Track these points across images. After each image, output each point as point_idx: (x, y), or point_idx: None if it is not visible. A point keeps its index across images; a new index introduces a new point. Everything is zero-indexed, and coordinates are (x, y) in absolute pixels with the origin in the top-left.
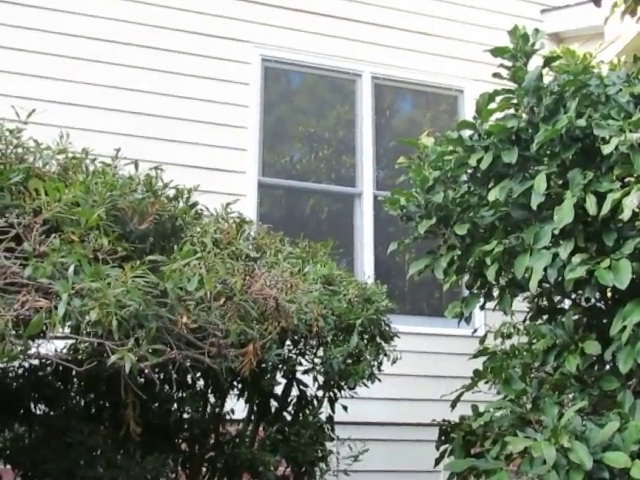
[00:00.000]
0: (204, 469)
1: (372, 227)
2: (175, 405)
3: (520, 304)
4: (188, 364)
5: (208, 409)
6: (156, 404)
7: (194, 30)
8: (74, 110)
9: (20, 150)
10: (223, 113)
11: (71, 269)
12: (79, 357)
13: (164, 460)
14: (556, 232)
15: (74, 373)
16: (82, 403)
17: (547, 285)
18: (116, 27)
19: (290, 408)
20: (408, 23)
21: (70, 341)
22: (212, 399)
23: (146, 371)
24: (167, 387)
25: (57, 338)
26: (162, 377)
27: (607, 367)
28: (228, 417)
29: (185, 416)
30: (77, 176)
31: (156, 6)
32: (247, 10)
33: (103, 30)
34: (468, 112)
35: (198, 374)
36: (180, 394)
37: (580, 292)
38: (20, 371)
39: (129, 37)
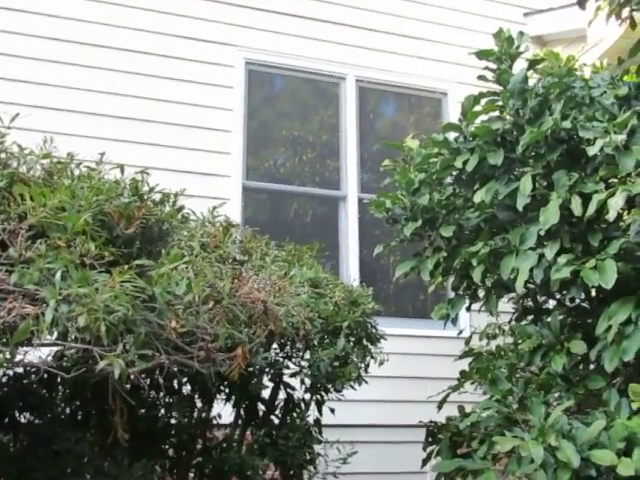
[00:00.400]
0: (192, 474)
1: (357, 230)
2: (162, 411)
3: (505, 305)
4: (176, 369)
5: (195, 414)
6: (143, 410)
7: (178, 33)
8: (57, 115)
9: (3, 155)
10: (207, 117)
11: (58, 275)
12: (65, 364)
13: (152, 466)
14: (542, 233)
15: (59, 380)
16: (68, 410)
17: (532, 286)
18: (102, 30)
19: (277, 411)
20: (392, 26)
21: (56, 348)
22: (199, 404)
23: (132, 377)
24: (154, 393)
25: (44, 345)
26: (149, 382)
27: (592, 366)
28: (215, 422)
29: (172, 421)
30: (62, 181)
31: (141, 9)
32: (231, 13)
33: (86, 35)
34: (452, 115)
35: (185, 379)
36: (167, 399)
37: (565, 292)
38: (4, 379)
39: (113, 40)
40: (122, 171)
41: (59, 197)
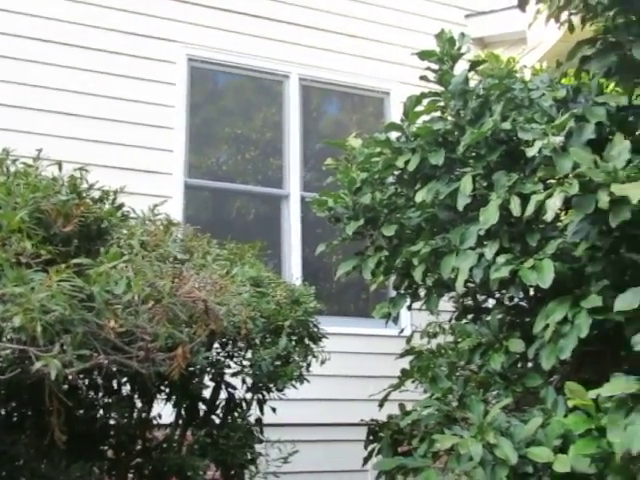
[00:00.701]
0: (131, 475)
1: (300, 229)
2: (101, 411)
3: (446, 304)
4: (115, 369)
5: (135, 414)
6: (81, 411)
7: (119, 29)
8: None
9: None
10: (149, 113)
11: None
12: (0, 365)
13: (90, 468)
14: (481, 233)
15: None
16: (3, 412)
17: (472, 285)
18: (42, 24)
19: (219, 411)
20: (335, 25)
21: None
22: (139, 404)
23: (70, 377)
24: (92, 393)
25: None
26: (88, 383)
27: (530, 365)
28: (155, 422)
29: (111, 422)
30: None
31: (83, 4)
32: (174, 9)
33: (31, 29)
34: (394, 115)
35: (124, 379)
36: (106, 400)
37: (504, 292)
38: None
39: (56, 35)
40: (60, 168)
41: None
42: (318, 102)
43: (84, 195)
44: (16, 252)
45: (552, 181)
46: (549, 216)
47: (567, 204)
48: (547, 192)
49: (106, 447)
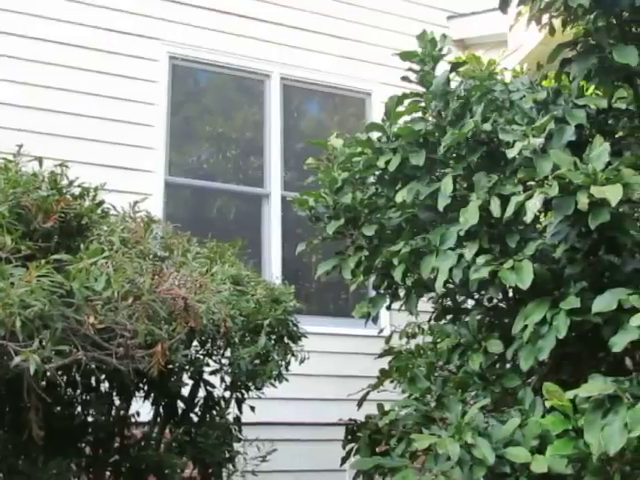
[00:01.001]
0: (109, 473)
1: (280, 228)
2: (79, 408)
3: (425, 305)
4: (93, 366)
5: (113, 412)
6: (59, 407)
7: (100, 25)
8: None
9: None
10: (130, 111)
11: None
12: None
13: (67, 464)
14: (461, 233)
15: None
16: None
17: (452, 286)
18: (20, 19)
19: (197, 409)
20: (317, 25)
21: None
22: (117, 401)
23: (49, 374)
24: (71, 390)
25: None
26: (66, 380)
27: (509, 365)
28: (134, 420)
29: (89, 419)
30: None
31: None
32: (155, 7)
33: (5, 24)
34: (376, 115)
35: (103, 376)
36: (84, 397)
37: (484, 293)
38: None
39: (35, 32)
40: (40, 164)
41: None
42: (299, 102)
43: (64, 191)
44: None
45: (532, 183)
46: (529, 217)
47: (547, 206)
48: (527, 193)
49: (84, 444)
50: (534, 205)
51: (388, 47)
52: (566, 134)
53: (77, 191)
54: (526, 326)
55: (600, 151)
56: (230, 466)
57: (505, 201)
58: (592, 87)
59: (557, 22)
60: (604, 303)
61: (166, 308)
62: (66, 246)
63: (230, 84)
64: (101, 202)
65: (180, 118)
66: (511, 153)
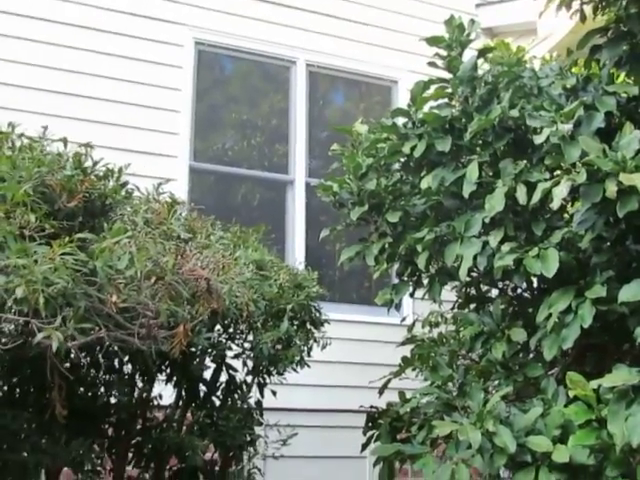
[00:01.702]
0: (130, 454)
1: (304, 215)
2: (102, 389)
3: (448, 294)
4: (116, 347)
5: (135, 394)
6: (82, 388)
7: (126, 10)
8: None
9: None
10: (155, 96)
11: None
12: (4, 340)
13: (90, 444)
14: (486, 221)
15: None
16: (5, 388)
17: (476, 274)
18: (45, 2)
19: (219, 393)
20: (344, 11)
21: None
22: (140, 383)
23: (72, 355)
24: (94, 371)
25: None
26: (89, 360)
27: (532, 355)
28: (156, 402)
29: (112, 400)
30: (3, 151)
31: None
32: None
33: (32, 9)
34: (402, 104)
35: (126, 358)
36: (107, 378)
37: (507, 282)
38: None
39: (62, 16)
40: (65, 144)
41: None
42: (325, 89)
43: (89, 172)
44: (20, 225)
45: (558, 172)
46: (555, 204)
47: (574, 194)
48: (554, 180)
49: (106, 425)
50: (561, 192)
51: (415, 35)
52: (595, 121)
53: (101, 172)
54: (550, 315)
55: (630, 139)
56: (251, 449)
57: (531, 188)
58: (622, 74)
59: (588, 9)
60: (630, 293)
61: (189, 289)
62: (90, 226)
63: (256, 70)
64: (125, 183)
65: (205, 104)
66: (539, 139)
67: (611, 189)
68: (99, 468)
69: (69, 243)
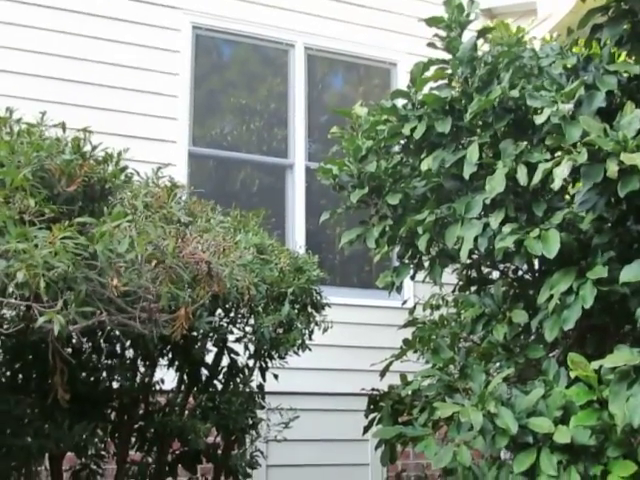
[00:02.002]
0: (133, 438)
1: (304, 199)
2: (104, 374)
3: (449, 277)
4: (117, 332)
5: (138, 378)
6: (85, 373)
7: None
8: None
9: None
10: (153, 81)
11: None
12: (6, 326)
13: (93, 429)
14: (487, 202)
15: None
16: (8, 373)
17: (476, 256)
18: None
19: (221, 377)
20: None
21: None
22: (142, 368)
23: (74, 340)
24: (96, 356)
25: None
26: (91, 345)
27: (533, 337)
28: (158, 387)
29: (115, 385)
30: (1, 136)
31: None
32: None
33: None
34: (401, 86)
35: (128, 343)
36: (109, 363)
37: (508, 264)
38: None
39: (59, 2)
40: (64, 129)
41: None
42: (324, 72)
43: (88, 156)
44: (19, 210)
45: (559, 153)
46: (556, 184)
47: (575, 174)
48: (555, 160)
49: (109, 410)
50: (562, 172)
51: (414, 16)
52: (596, 100)
53: (100, 156)
54: (552, 296)
55: (631, 118)
56: (253, 433)
57: (532, 169)
58: (623, 53)
59: None
60: (632, 273)
61: (189, 272)
62: (89, 211)
63: (254, 54)
64: (124, 167)
65: (203, 89)
66: (539, 119)
67: (612, 169)
68: (103, 452)
69: (69, 227)
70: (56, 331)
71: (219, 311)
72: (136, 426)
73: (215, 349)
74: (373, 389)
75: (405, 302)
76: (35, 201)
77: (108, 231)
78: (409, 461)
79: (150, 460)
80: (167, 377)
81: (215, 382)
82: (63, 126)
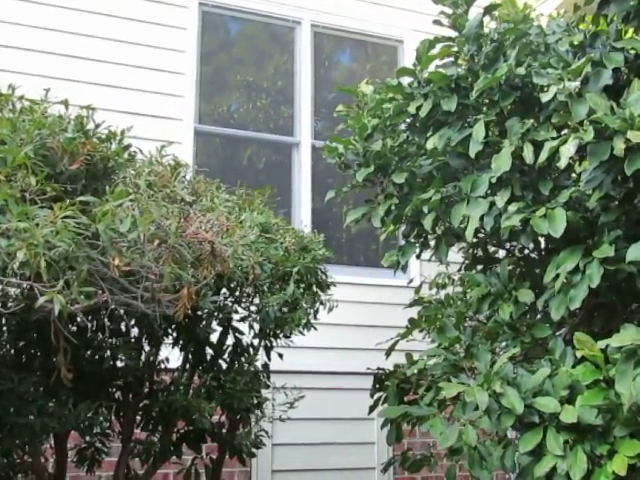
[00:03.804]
0: (138, 417)
1: (310, 177)
2: (108, 352)
3: (455, 255)
4: (122, 311)
5: (143, 357)
6: (89, 352)
7: None
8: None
9: None
10: (159, 58)
11: None
12: (10, 304)
13: (97, 408)
14: (493, 181)
15: (4, 322)
16: (12, 352)
17: (482, 235)
18: None
19: (226, 356)
20: None
21: None
22: (147, 347)
23: (79, 318)
24: (100, 335)
25: None
26: (96, 324)
27: (539, 316)
28: (163, 366)
29: (119, 364)
30: (3, 113)
31: None
32: None
33: None
34: (408, 64)
35: (132, 322)
36: (114, 341)
37: (515, 242)
38: None
39: None
40: (66, 106)
41: None
42: (330, 50)
43: (91, 134)
44: (21, 188)
45: (566, 130)
46: (563, 163)
47: (581, 152)
48: (561, 139)
49: (114, 389)
50: (568, 150)
51: None
52: (603, 78)
53: (104, 134)
54: (558, 275)
55: (638, 95)
56: (258, 412)
57: (538, 147)
58: (631, 30)
59: None
60: (639, 252)
61: (192, 252)
62: (92, 189)
63: (260, 32)
64: (128, 146)
65: (210, 66)
66: (545, 97)
67: (619, 147)
68: (108, 431)
69: (71, 206)
70: (56, 311)
71: (224, 290)
72: (141, 405)
73: (220, 328)
74: (379, 368)
75: (411, 281)
76: (37, 179)
77: (110, 210)
78: (415, 439)
79: (155, 439)
80: (172, 356)
81: (220, 361)
82: (66, 103)
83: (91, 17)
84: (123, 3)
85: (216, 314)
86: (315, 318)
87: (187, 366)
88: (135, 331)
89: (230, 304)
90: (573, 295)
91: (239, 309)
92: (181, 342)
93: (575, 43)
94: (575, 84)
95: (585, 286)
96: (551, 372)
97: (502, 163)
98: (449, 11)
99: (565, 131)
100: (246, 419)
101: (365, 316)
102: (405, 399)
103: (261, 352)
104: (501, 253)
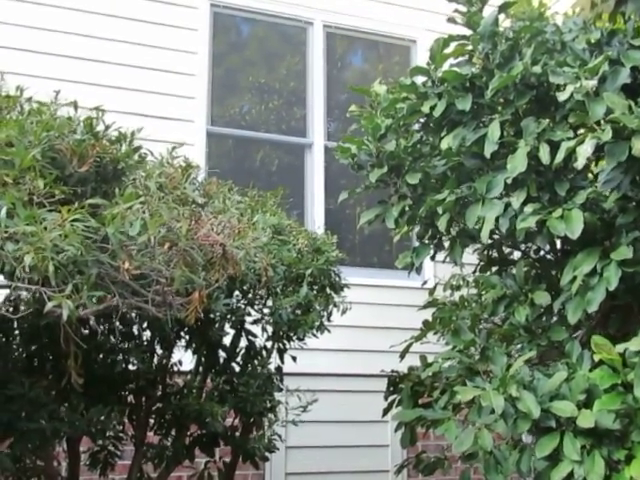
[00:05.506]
0: (151, 421)
1: (323, 178)
2: (120, 356)
3: (470, 257)
4: (133, 314)
5: (155, 360)
6: (101, 355)
7: None
8: (8, 53)
9: None
10: (170, 60)
11: (3, 212)
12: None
13: (109, 412)
14: (509, 181)
15: (15, 325)
16: (24, 355)
17: (498, 236)
18: None
19: (239, 359)
20: None
21: (8, 292)
22: (159, 350)
23: (91, 322)
24: (113, 338)
25: None
26: (107, 328)
27: (555, 318)
28: (175, 368)
29: (131, 367)
30: (11, 115)
31: None
32: None
33: None
34: (421, 63)
35: (144, 325)
36: (126, 345)
37: (530, 244)
38: None
39: None
40: (76, 108)
41: (6, 132)
42: (343, 50)
43: (100, 136)
44: (29, 191)
45: (583, 130)
46: (580, 163)
47: (598, 153)
48: (578, 139)
49: (126, 392)
50: (585, 151)
51: None
52: (620, 76)
53: (114, 136)
54: (575, 277)
55: None
56: (271, 415)
57: (555, 147)
58: None
59: None
60: None
61: (204, 255)
62: (102, 192)
63: (272, 33)
64: (138, 147)
65: (222, 67)
66: (562, 96)
67: (637, 147)
68: (120, 434)
69: (79, 209)
70: (65, 316)
71: (236, 293)
72: (154, 408)
73: (233, 331)
74: (393, 370)
75: (425, 282)
76: (45, 182)
77: (120, 213)
78: (429, 442)
79: (168, 443)
80: (185, 358)
81: (233, 364)
82: (75, 105)
83: (102, 19)
84: (133, 5)
85: (229, 317)
86: (328, 320)
87: (200, 369)
88: (147, 334)
89: (243, 306)
90: (591, 298)
91: (252, 311)
92: (194, 345)
93: (592, 41)
94: (592, 83)
95: (603, 289)
96: (568, 376)
97: (518, 163)
98: (463, 9)
99: (582, 131)
100: (259, 422)
101: (379, 318)
102: (419, 402)
103: (274, 355)
104: (516, 254)
